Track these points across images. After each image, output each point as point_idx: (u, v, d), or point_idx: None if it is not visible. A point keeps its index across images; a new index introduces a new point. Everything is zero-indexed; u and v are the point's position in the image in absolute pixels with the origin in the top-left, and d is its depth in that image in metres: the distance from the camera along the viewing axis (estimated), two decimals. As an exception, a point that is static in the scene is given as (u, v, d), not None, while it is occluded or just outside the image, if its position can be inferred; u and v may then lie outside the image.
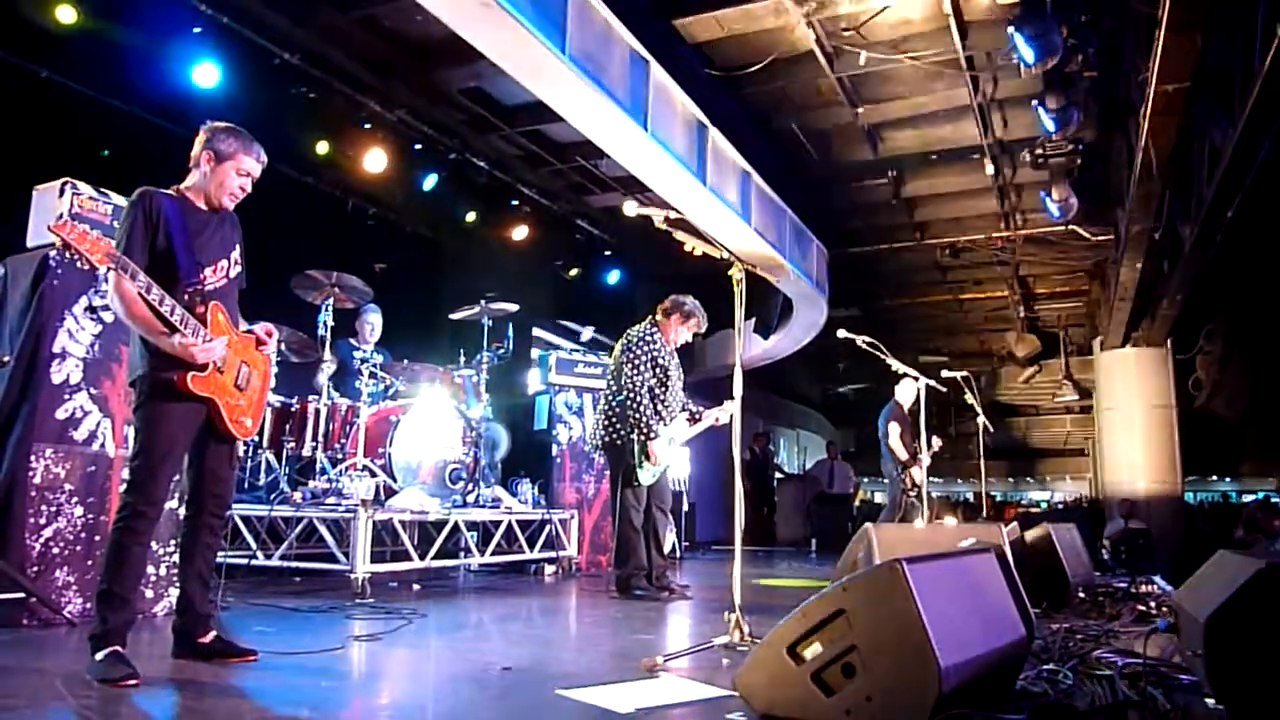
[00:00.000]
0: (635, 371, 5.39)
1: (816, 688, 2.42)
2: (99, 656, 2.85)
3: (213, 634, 3.23)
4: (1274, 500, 17.77)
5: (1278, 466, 20.23)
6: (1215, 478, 25.29)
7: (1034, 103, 7.02)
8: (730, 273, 3.48)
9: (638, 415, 5.33)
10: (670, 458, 5.63)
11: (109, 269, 2.94)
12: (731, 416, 3.85)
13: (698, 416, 5.70)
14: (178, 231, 3.07)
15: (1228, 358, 14.59)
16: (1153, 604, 4.99)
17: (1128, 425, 13.58)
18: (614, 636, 3.99)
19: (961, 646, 2.38)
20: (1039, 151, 8.57)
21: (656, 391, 5.47)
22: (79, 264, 3.40)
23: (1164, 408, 13.43)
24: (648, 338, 5.51)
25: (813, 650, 2.45)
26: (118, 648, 2.89)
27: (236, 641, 3.27)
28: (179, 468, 3.18)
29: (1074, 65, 6.74)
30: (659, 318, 5.65)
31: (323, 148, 7.68)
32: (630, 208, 3.59)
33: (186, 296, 3.06)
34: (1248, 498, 22.77)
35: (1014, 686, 2.78)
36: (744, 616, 3.46)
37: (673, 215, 3.64)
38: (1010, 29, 6.16)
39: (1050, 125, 7.06)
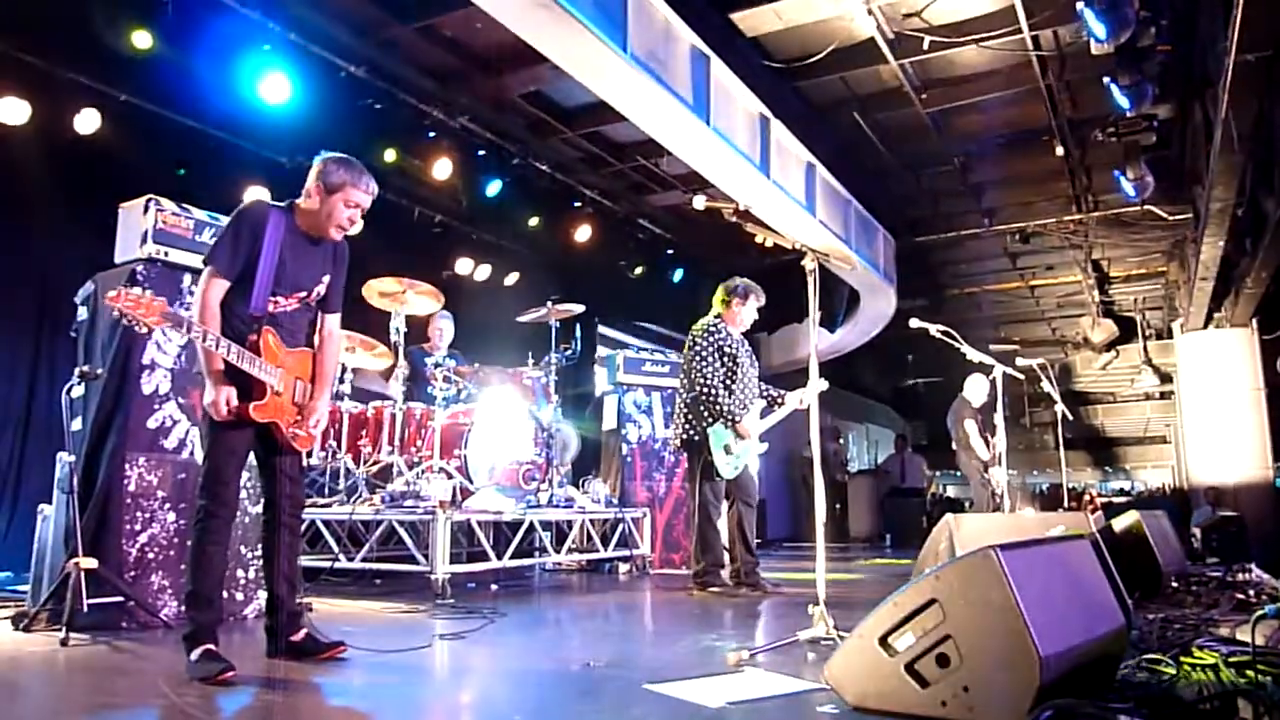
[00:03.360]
0: (705, 364, 5.42)
1: (910, 679, 2.38)
2: (194, 656, 2.96)
3: (304, 631, 3.30)
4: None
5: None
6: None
7: (1106, 80, 6.79)
8: (803, 263, 3.44)
9: (716, 406, 5.36)
10: (750, 450, 5.57)
11: (203, 271, 3.11)
12: (809, 411, 3.80)
13: (780, 400, 5.64)
14: (269, 252, 3.14)
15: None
16: (1252, 592, 4.79)
17: (1212, 410, 13.07)
18: (694, 632, 3.97)
19: (1061, 635, 2.30)
20: (1112, 130, 8.29)
21: (728, 383, 5.48)
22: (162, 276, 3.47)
23: (1251, 390, 12.91)
24: (712, 329, 5.53)
25: (905, 641, 2.40)
26: (210, 645, 2.98)
27: (326, 637, 3.33)
28: (244, 468, 3.27)
29: (1146, 39, 6.51)
30: (719, 309, 5.65)
31: (390, 157, 7.79)
32: (699, 202, 3.58)
33: (250, 318, 3.14)
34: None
35: (1115, 677, 2.69)
36: (827, 610, 3.41)
37: (741, 207, 3.61)
38: (1080, 5, 5.97)
39: (1124, 102, 6.82)
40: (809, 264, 3.44)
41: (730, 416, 5.36)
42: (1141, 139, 8.55)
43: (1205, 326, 12.83)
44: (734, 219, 3.51)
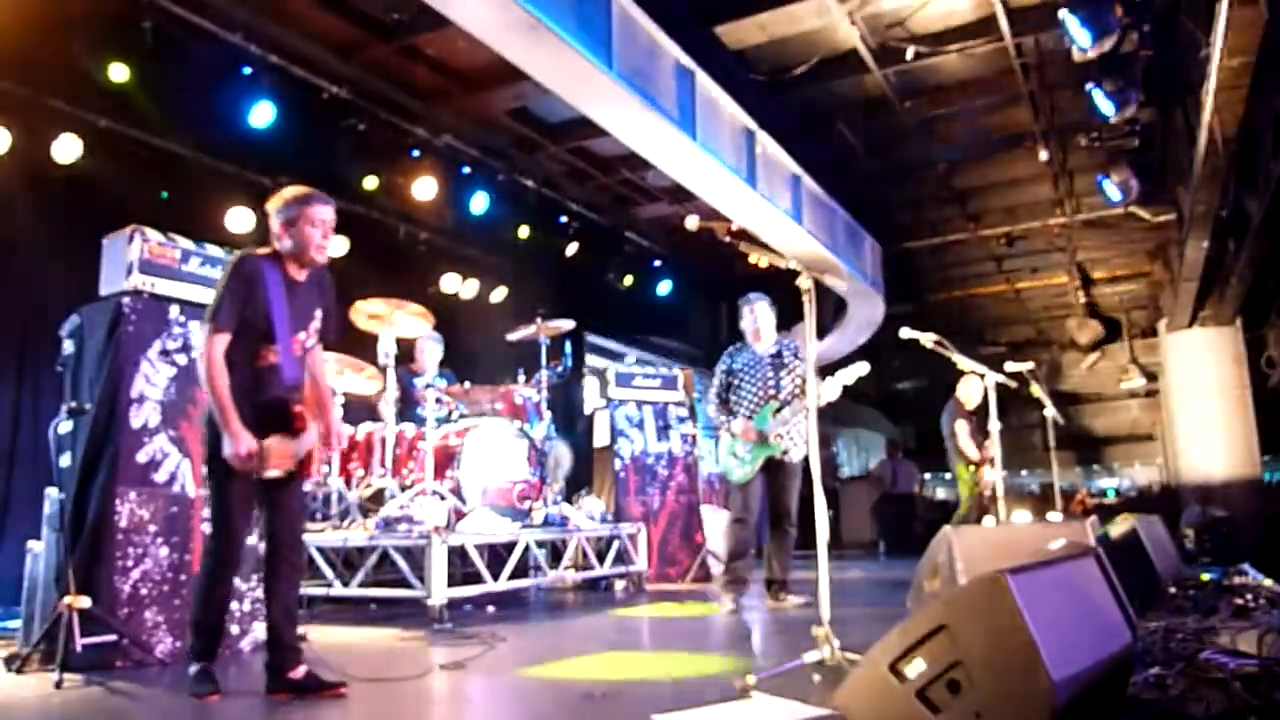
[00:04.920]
0: (711, 386, 5.80)
1: (922, 705, 2.35)
2: (191, 671, 3.19)
3: (304, 669, 3.25)
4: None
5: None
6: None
7: (1089, 86, 6.84)
8: (798, 282, 3.42)
9: (720, 419, 5.65)
10: (756, 451, 5.52)
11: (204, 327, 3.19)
12: (809, 424, 3.78)
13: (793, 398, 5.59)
14: (276, 298, 3.22)
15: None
16: (1250, 596, 4.80)
17: (1199, 408, 13.15)
18: (697, 654, 3.94)
19: (1072, 658, 2.29)
20: (1095, 135, 8.35)
21: (724, 395, 5.72)
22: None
23: (1237, 387, 12.98)
24: (723, 356, 5.84)
25: (916, 667, 2.38)
26: (207, 664, 3.20)
27: (326, 674, 3.29)
28: (251, 510, 3.34)
29: (1129, 45, 6.56)
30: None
31: (373, 180, 7.75)
32: (692, 222, 3.56)
33: (286, 385, 3.24)
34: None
35: (1125, 695, 2.68)
36: (831, 630, 3.39)
37: (735, 227, 3.60)
38: (1063, 12, 6.01)
39: (1107, 108, 6.87)
40: (804, 282, 3.42)
41: (721, 424, 5.61)
42: (1124, 143, 8.61)
43: (1190, 325, 12.92)
44: (727, 239, 3.49)
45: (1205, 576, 5.41)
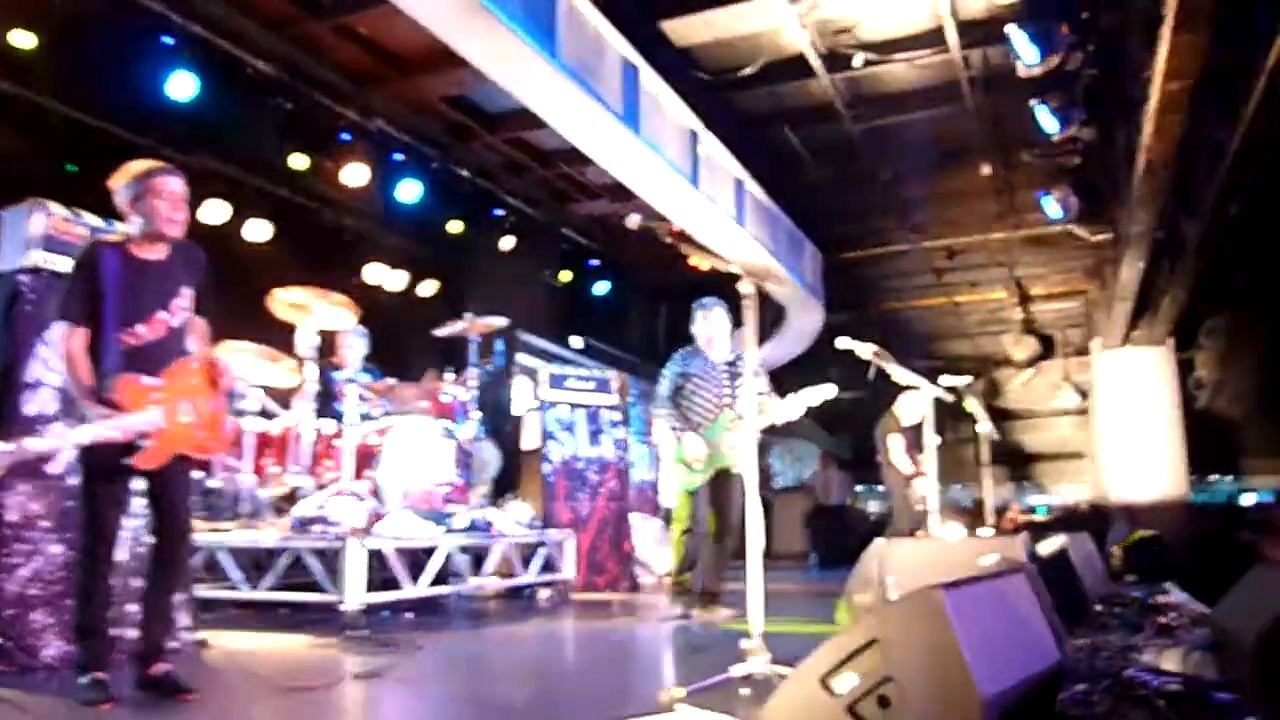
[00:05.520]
0: (660, 389, 5.65)
1: (852, 721, 2.38)
2: (80, 681, 3.13)
3: (164, 668, 3.27)
4: (1275, 500, 17.86)
5: (1278, 465, 20.36)
6: (1216, 477, 25.43)
7: (1034, 102, 7.02)
8: (740, 287, 3.44)
9: (671, 424, 5.51)
10: (710, 461, 5.45)
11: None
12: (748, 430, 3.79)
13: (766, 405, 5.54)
14: (111, 289, 3.20)
15: (1230, 354, 14.67)
16: (1173, 615, 4.97)
17: (1129, 427, 13.60)
18: (623, 666, 3.93)
19: (1001, 675, 2.34)
20: (1038, 151, 8.57)
21: (676, 400, 5.61)
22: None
23: (1166, 408, 13.46)
24: (672, 360, 5.73)
25: (846, 681, 2.40)
26: (97, 674, 3.13)
27: (185, 680, 3.28)
28: (122, 505, 3.35)
29: (1074, 63, 6.74)
30: (692, 331, 5.79)
31: (301, 160, 7.59)
32: (633, 221, 3.55)
33: (105, 372, 3.20)
34: (1249, 497, 22.87)
35: (1052, 711, 2.74)
36: (761, 642, 3.40)
37: (676, 228, 3.60)
38: (1010, 27, 6.16)
39: (1051, 125, 7.06)
40: (746, 288, 3.43)
41: (676, 429, 5.47)
42: (1066, 161, 8.84)
43: (1123, 344, 13.35)
44: (669, 240, 3.49)
45: (1132, 595, 5.60)
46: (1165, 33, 5.24)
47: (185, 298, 3.39)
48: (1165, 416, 13.42)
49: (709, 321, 5.65)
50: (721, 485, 5.46)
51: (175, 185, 3.31)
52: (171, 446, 3.22)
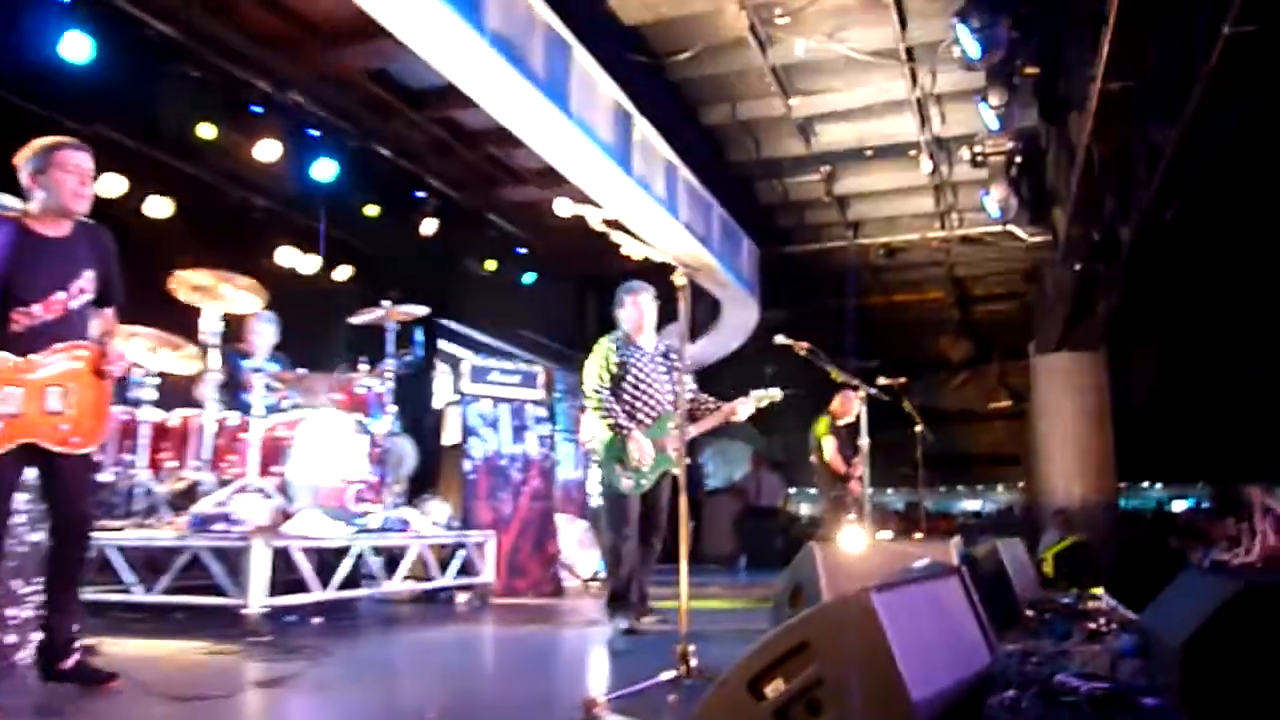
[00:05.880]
0: (589, 373, 5.29)
1: (780, 727, 2.41)
2: None
3: (74, 659, 3.29)
4: (1205, 506, 18.66)
5: (1209, 472, 21.24)
6: (1146, 484, 26.42)
7: (976, 98, 7.21)
8: (673, 279, 3.46)
9: (608, 420, 5.17)
10: (655, 464, 5.22)
11: None
12: (683, 434, 3.81)
13: (707, 408, 5.40)
14: (10, 258, 3.17)
15: (1163, 362, 15.25)
16: (1102, 621, 5.15)
17: (1062, 431, 14.03)
18: (543, 673, 3.93)
19: (932, 679, 2.39)
20: (979, 149, 8.80)
21: (616, 392, 5.27)
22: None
23: (1098, 413, 13.91)
24: (600, 346, 5.37)
25: (775, 686, 2.43)
26: None
27: (100, 668, 3.32)
28: (8, 496, 3.29)
29: (1017, 60, 6.94)
30: (616, 317, 5.48)
31: (207, 132, 7.39)
32: (563, 207, 3.55)
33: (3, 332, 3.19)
34: (1180, 504, 23.82)
35: (981, 716, 2.82)
36: (689, 648, 3.43)
37: (609, 216, 3.60)
38: (954, 21, 6.31)
39: (992, 122, 7.26)
40: (679, 279, 3.45)
41: (617, 427, 5.15)
42: (1007, 159, 9.10)
43: (1058, 349, 13.76)
44: (600, 228, 3.49)
45: (1062, 601, 5.79)
46: (1108, 32, 5.41)
47: (87, 280, 3.36)
48: (1098, 422, 13.86)
49: (639, 306, 5.38)
50: (658, 487, 5.28)
51: (83, 160, 3.33)
52: (23, 434, 3.15)
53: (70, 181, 3.27)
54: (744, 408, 5.29)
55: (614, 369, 5.28)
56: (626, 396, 5.28)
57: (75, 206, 3.30)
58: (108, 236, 3.48)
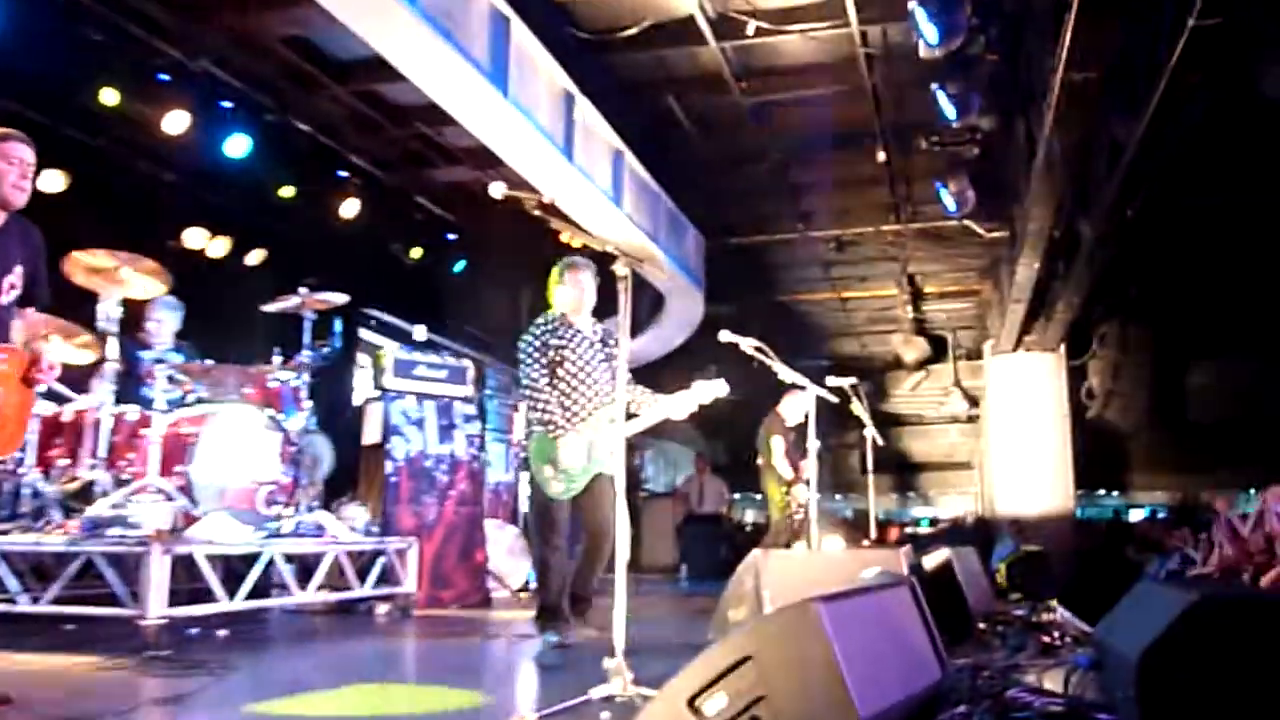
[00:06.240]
0: (525, 364, 5.08)
1: (720, 746, 2.42)
2: None
3: None
4: (1162, 516, 19.22)
5: (1166, 479, 21.87)
6: (1102, 492, 27.13)
7: (933, 86, 7.31)
8: (615, 269, 3.46)
9: (536, 411, 5.00)
10: (588, 466, 5.01)
11: None
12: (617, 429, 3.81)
13: (645, 402, 5.21)
14: None
15: (1121, 365, 15.66)
16: (1056, 634, 5.27)
17: (1018, 436, 14.33)
18: (466, 689, 3.90)
19: (881, 694, 2.43)
20: (936, 139, 8.94)
21: (552, 383, 5.08)
22: None
23: (1056, 417, 14.23)
24: (539, 322, 5.19)
25: (716, 703, 2.44)
26: None
27: None
28: None
29: (976, 48, 7.06)
30: (551, 298, 5.25)
31: (110, 99, 7.23)
32: (497, 190, 3.52)
33: None
34: (1135, 513, 24.51)
35: (930, 734, 2.86)
36: (625, 662, 3.44)
37: (546, 200, 3.59)
38: (912, 4, 6.39)
39: (950, 111, 7.38)
40: (620, 269, 3.46)
41: (550, 424, 4.97)
42: (964, 151, 9.26)
43: (1015, 349, 14.07)
44: (537, 213, 3.48)
45: (1016, 613, 5.91)
46: (1071, 18, 5.53)
47: (17, 275, 3.43)
48: (1055, 427, 14.19)
49: (580, 284, 5.14)
50: (591, 489, 5.07)
51: (25, 153, 3.43)
52: None
53: (11, 174, 3.35)
54: (686, 402, 5.07)
55: (551, 352, 5.08)
56: (562, 387, 5.09)
57: (14, 199, 3.38)
58: (39, 234, 3.58)
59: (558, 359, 5.09)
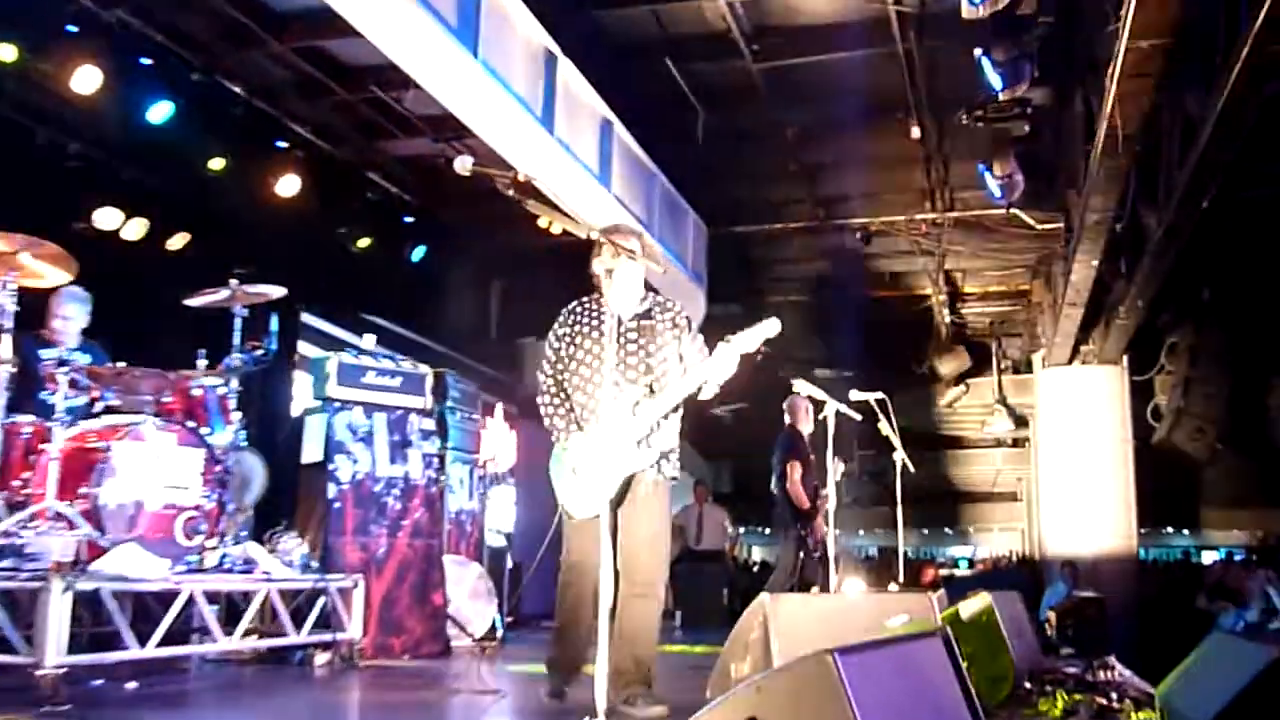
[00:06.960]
0: (539, 370, 5.10)
1: (719, 821, 2.43)
2: None
3: None
4: (1239, 557, 19.25)
5: (1244, 515, 21.91)
6: (1170, 529, 27.23)
7: (977, 53, 7.35)
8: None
9: (546, 422, 4.99)
10: (605, 479, 4.66)
11: None
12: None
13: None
14: None
15: (1193, 380, 15.69)
16: (1114, 695, 5.28)
17: (1072, 463, 14.35)
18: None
19: (906, 763, 2.44)
20: (979, 114, 8.97)
21: (560, 380, 5.05)
22: None
23: (1118, 442, 14.24)
24: (565, 315, 5.12)
25: (714, 771, 2.46)
26: None
27: None
28: None
29: (1027, 8, 7.10)
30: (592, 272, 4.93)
31: (7, 54, 7.24)
32: (464, 165, 3.54)
33: None
34: (1208, 555, 24.59)
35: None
36: (607, 724, 3.45)
37: (521, 177, 3.60)
38: (953, -45, 6.44)
39: (996, 81, 7.41)
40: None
41: (553, 430, 4.93)
42: (1012, 128, 9.28)
43: (1070, 361, 14.10)
44: (510, 192, 3.49)
45: (1068, 669, 5.93)
46: (1134, -24, 5.57)
47: None
48: (1115, 452, 14.19)
49: (615, 256, 4.43)
50: (628, 500, 4.85)
51: None
52: None
53: None
54: (728, 356, 4.79)
55: (560, 348, 5.04)
56: (575, 380, 5.01)
57: None
58: None
59: (569, 352, 5.05)
